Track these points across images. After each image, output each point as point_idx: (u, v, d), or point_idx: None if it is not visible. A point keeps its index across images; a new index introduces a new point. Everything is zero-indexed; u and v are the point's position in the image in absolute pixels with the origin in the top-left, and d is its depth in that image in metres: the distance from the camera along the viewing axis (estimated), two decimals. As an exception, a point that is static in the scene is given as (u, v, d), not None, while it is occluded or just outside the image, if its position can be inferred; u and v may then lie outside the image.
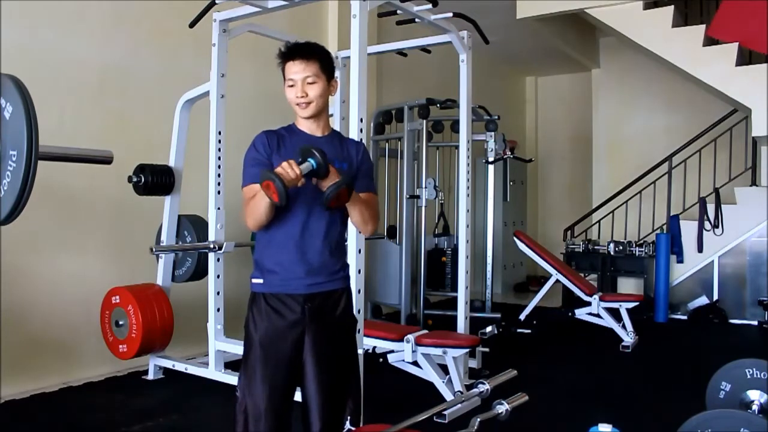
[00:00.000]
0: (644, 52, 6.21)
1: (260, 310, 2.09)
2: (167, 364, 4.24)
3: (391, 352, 3.83)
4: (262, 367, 2.06)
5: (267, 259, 2.11)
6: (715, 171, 6.94)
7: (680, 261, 6.71)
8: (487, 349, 4.54)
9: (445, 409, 2.64)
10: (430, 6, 3.84)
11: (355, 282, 3.11)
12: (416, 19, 3.91)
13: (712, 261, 6.60)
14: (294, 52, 2.10)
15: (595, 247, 7.13)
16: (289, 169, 1.89)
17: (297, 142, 2.08)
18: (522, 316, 5.81)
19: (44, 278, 4.05)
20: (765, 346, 5.59)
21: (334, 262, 2.15)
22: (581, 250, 7.19)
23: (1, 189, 2.36)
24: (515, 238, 6.03)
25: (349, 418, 2.16)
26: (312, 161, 1.94)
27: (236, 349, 3.91)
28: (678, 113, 7.98)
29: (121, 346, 4.08)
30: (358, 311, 3.15)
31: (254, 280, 2.13)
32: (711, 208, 6.61)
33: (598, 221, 7.85)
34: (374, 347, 3.85)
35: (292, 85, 2.10)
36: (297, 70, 2.08)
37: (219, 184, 3.98)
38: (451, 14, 3.98)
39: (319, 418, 2.09)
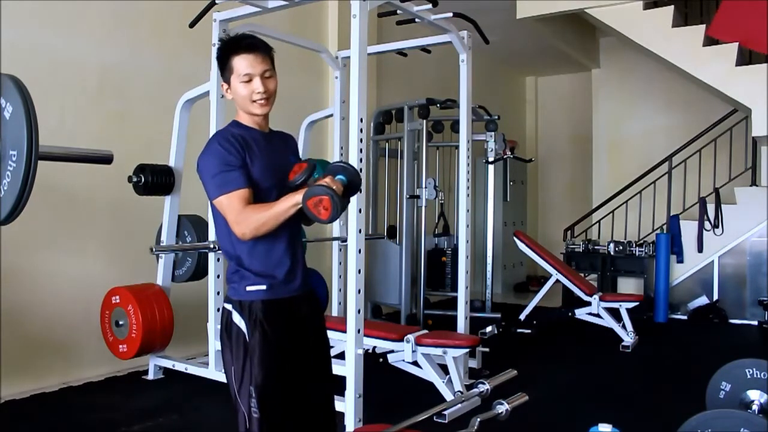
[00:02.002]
0: (644, 52, 6.21)
1: (270, 317, 1.94)
2: (167, 364, 4.24)
3: (391, 352, 3.83)
4: (284, 376, 1.94)
5: (261, 264, 1.97)
6: (715, 171, 6.94)
7: (680, 261, 6.71)
8: (487, 349, 4.54)
9: (445, 409, 2.64)
10: (430, 6, 3.84)
11: (355, 282, 3.12)
12: (416, 19, 3.91)
13: (712, 261, 6.60)
14: (248, 45, 1.95)
15: (595, 247, 7.13)
16: (333, 186, 1.80)
17: (257, 140, 1.99)
18: (522, 316, 5.81)
19: (44, 278, 4.05)
20: (765, 346, 5.59)
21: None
22: (581, 250, 7.18)
23: (1, 189, 2.36)
24: (515, 238, 6.03)
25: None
26: (343, 177, 1.91)
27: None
28: (678, 113, 7.98)
29: (121, 346, 4.08)
30: (358, 311, 3.16)
31: (252, 288, 1.96)
32: (711, 208, 6.61)
33: (598, 221, 7.85)
34: (374, 347, 3.84)
35: (248, 81, 1.94)
36: (254, 63, 1.94)
37: (219, 184, 3.97)
38: (451, 14, 3.98)
39: (323, 417, 2.08)
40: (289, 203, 1.86)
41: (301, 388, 2.01)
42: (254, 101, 1.96)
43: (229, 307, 1.99)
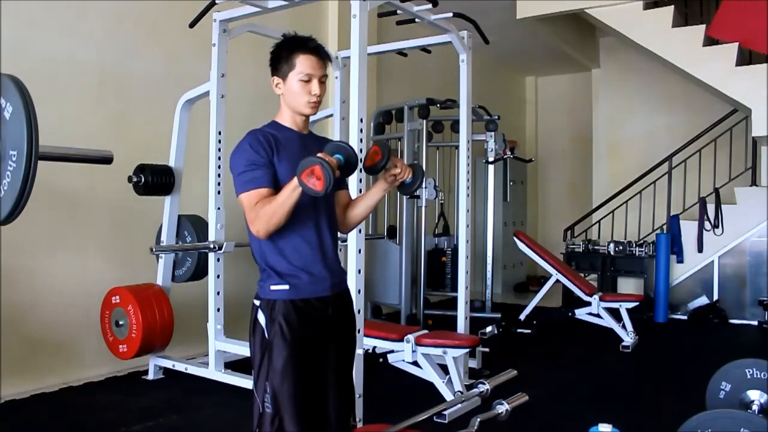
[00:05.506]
0: (644, 52, 6.21)
1: (289, 318, 1.95)
2: (167, 364, 4.24)
3: (391, 352, 3.83)
4: (300, 378, 1.94)
5: (285, 263, 1.98)
6: (715, 171, 6.94)
7: (680, 261, 6.70)
8: (487, 349, 4.54)
9: (445, 409, 2.64)
10: (430, 6, 3.84)
11: (355, 282, 3.12)
12: (416, 19, 3.91)
13: (712, 261, 6.60)
14: (315, 47, 2.01)
15: (595, 247, 7.13)
16: (328, 158, 1.80)
17: (290, 140, 2.00)
18: (522, 316, 5.81)
19: (44, 278, 4.05)
20: (765, 346, 5.59)
21: (340, 260, 2.13)
22: (581, 250, 7.18)
23: (1, 189, 2.36)
24: (515, 238, 6.03)
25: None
26: (340, 156, 1.91)
27: (236, 349, 3.92)
28: (678, 113, 7.98)
29: (121, 346, 4.08)
30: (358, 311, 3.15)
31: (275, 287, 1.98)
32: (711, 208, 6.61)
33: (598, 221, 7.85)
34: (374, 347, 3.84)
35: (307, 80, 1.98)
36: (316, 66, 1.99)
37: (219, 184, 3.98)
38: (451, 14, 3.98)
39: (337, 416, 2.07)
40: (288, 188, 1.85)
41: (318, 391, 2.00)
42: (308, 102, 2.00)
43: (257, 303, 2.03)
